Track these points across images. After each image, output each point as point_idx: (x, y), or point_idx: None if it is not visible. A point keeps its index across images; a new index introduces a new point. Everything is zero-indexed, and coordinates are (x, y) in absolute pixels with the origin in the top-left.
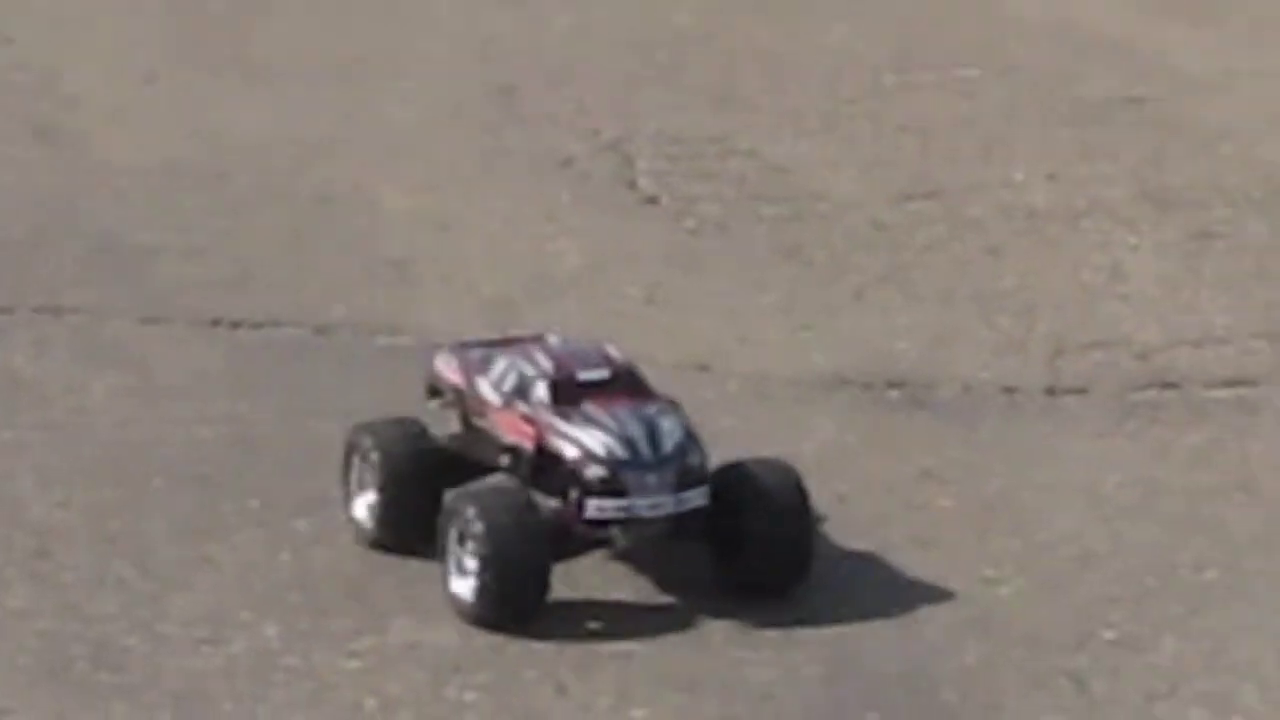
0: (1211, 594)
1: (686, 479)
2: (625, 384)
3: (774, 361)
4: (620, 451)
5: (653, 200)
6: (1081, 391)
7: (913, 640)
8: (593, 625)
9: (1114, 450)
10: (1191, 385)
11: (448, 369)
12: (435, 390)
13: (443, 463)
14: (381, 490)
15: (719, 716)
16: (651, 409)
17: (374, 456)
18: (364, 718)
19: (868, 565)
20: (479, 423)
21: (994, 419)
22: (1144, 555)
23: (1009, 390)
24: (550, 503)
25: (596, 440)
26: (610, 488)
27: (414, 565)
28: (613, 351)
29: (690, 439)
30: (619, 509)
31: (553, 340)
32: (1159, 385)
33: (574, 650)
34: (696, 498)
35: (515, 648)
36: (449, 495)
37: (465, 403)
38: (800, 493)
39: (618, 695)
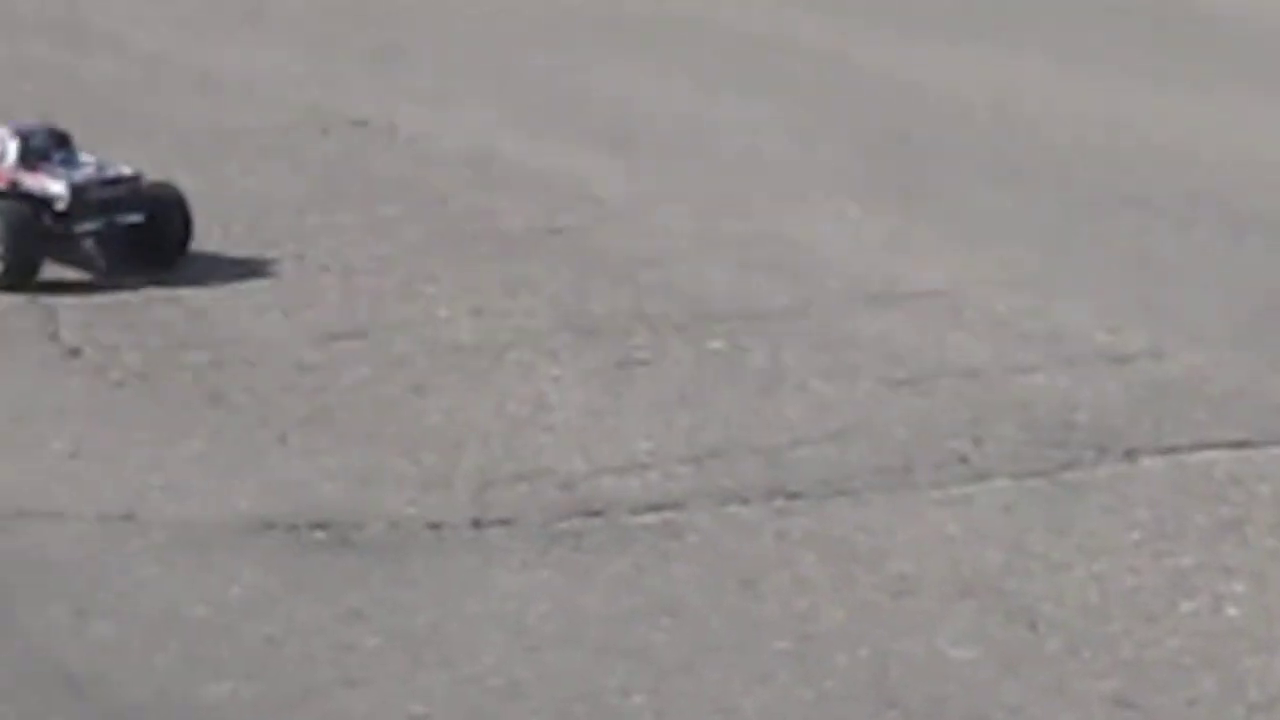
0: (639, 718)
1: (128, 201)
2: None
3: (199, 508)
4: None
5: (75, 352)
6: (507, 523)
7: None
8: None
9: (540, 580)
10: (616, 512)
11: None
12: None
13: None
14: None
15: None
16: (97, 158)
17: None
18: None
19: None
20: None
21: (421, 555)
22: (569, 683)
23: (435, 526)
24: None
25: (64, 179)
26: (76, 211)
27: None
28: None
29: (125, 177)
30: (85, 228)
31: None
32: (584, 514)
33: None
34: (136, 215)
35: None
36: None
37: None
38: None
39: None
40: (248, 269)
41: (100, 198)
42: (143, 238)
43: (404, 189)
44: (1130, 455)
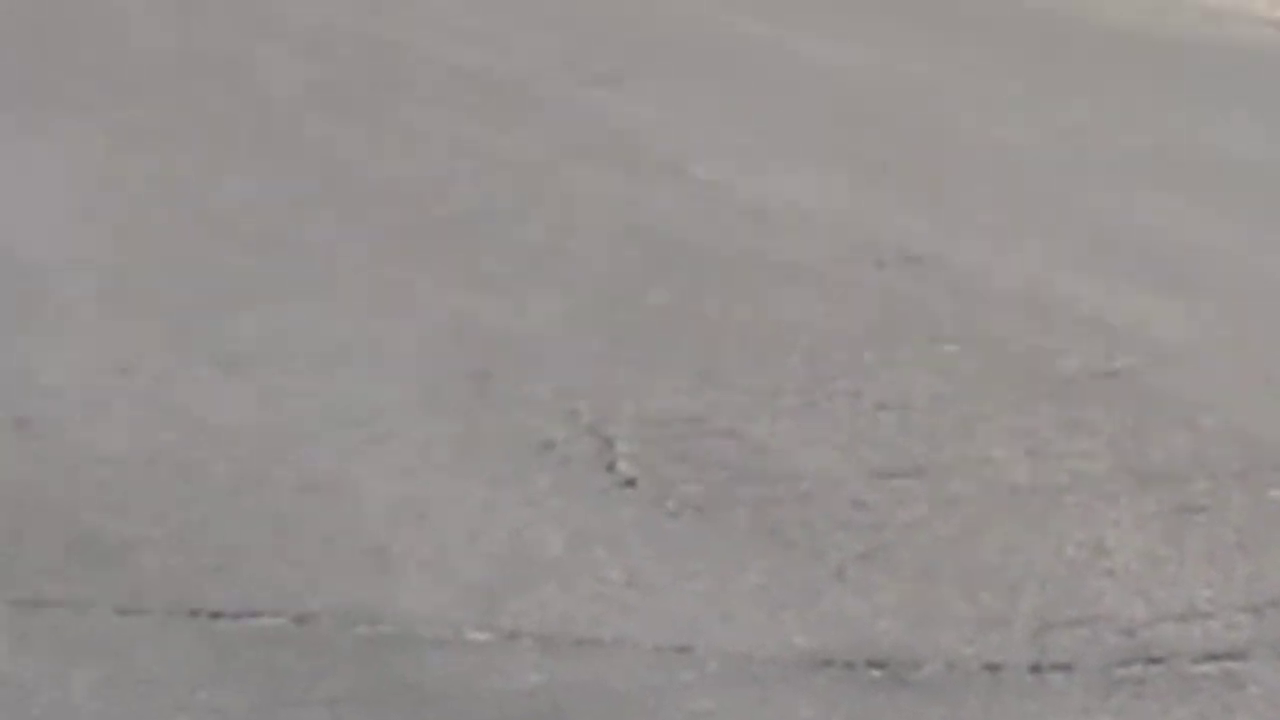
0: None
1: None
2: None
3: (755, 642)
4: None
5: (631, 482)
6: (1066, 668)
7: None
8: None
9: None
10: (1177, 660)
11: None
12: None
13: None
14: None
15: None
16: None
17: None
18: None
19: None
20: None
21: (978, 697)
22: None
23: (993, 668)
24: None
25: None
26: None
27: None
28: None
29: None
30: None
31: None
32: (1144, 661)
33: None
34: None
35: None
36: None
37: None
38: None
39: None
40: (804, 404)
41: None
42: None
43: (959, 326)
44: None
